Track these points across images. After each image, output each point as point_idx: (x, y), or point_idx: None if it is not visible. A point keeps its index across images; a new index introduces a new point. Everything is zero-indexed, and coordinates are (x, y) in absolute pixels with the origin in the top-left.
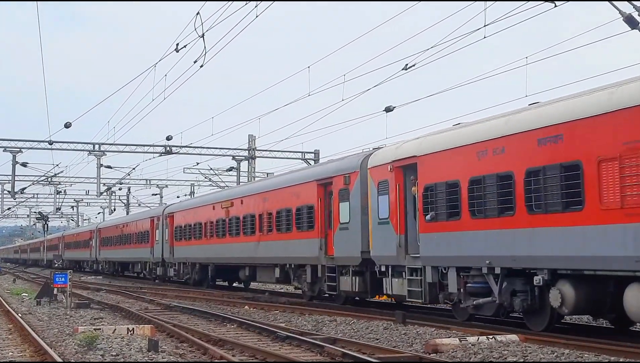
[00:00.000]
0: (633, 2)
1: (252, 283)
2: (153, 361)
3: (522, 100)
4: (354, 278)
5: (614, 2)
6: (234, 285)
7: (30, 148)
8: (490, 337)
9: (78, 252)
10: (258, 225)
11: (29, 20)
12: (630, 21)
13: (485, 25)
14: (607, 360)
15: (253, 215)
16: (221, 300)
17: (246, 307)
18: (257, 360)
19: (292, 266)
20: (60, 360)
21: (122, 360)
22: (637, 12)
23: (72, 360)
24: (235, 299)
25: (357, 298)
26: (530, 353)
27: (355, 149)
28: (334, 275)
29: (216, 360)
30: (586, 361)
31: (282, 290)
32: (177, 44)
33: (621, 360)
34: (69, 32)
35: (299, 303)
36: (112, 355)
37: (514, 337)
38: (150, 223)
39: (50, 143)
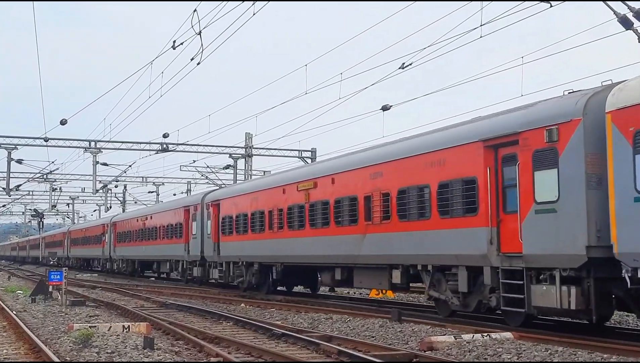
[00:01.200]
0: (627, 2)
1: (331, 288)
2: (149, 359)
3: (518, 99)
4: (565, 288)
5: (608, 2)
6: (296, 290)
7: (26, 145)
8: (485, 334)
9: (88, 249)
10: (363, 212)
11: (25, 17)
12: (624, 22)
13: (481, 25)
14: (599, 358)
15: (354, 198)
16: (217, 298)
17: (242, 305)
18: (253, 357)
19: (429, 268)
20: (55, 358)
21: (117, 357)
22: (631, 13)
23: (67, 358)
24: (232, 297)
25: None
26: (524, 350)
27: (353, 148)
28: (519, 282)
29: (212, 358)
30: (579, 359)
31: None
32: (174, 41)
33: (613, 358)
34: (65, 29)
35: (295, 301)
36: (107, 352)
37: (508, 334)
38: (184, 213)
39: (46, 139)
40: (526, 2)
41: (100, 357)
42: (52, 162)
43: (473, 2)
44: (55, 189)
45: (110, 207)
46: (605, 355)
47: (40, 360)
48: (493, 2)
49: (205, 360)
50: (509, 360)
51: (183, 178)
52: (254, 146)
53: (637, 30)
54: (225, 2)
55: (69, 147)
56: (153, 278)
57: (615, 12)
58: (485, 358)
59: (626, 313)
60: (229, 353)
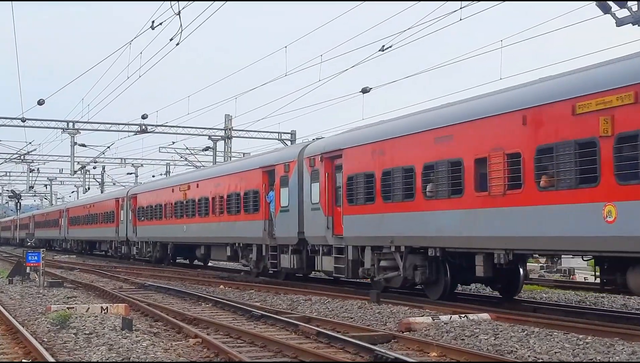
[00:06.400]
0: None
1: None
2: (127, 340)
3: (497, 83)
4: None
5: None
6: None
7: (2, 125)
8: (463, 315)
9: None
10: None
11: None
12: (602, 6)
13: (461, 8)
14: (575, 338)
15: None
16: (196, 280)
17: (221, 286)
18: (232, 338)
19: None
20: (32, 339)
21: (95, 338)
22: None
23: (45, 339)
24: (211, 278)
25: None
26: (501, 331)
27: (333, 131)
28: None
29: (191, 339)
30: (555, 339)
31: None
32: (153, 22)
33: (589, 338)
34: (42, 7)
35: (275, 283)
36: (85, 333)
37: (485, 315)
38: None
39: (23, 120)
40: None
41: (78, 337)
42: (30, 143)
43: None
44: (33, 170)
45: (89, 188)
46: (580, 336)
47: (18, 341)
48: None
49: (184, 341)
50: (486, 340)
51: (162, 160)
52: (234, 128)
53: (614, 14)
54: None
55: (47, 128)
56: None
57: None
58: (463, 339)
59: (601, 295)
60: (207, 334)
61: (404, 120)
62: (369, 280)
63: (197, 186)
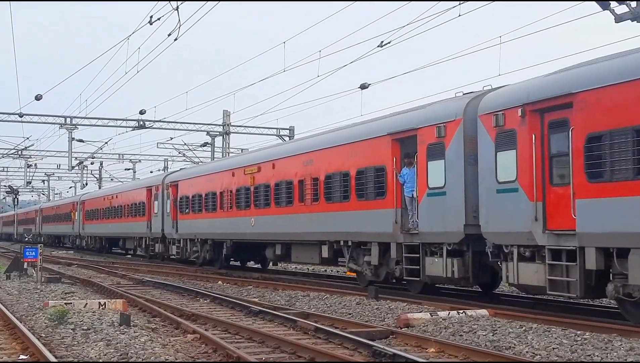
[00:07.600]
0: None
1: None
2: (125, 336)
3: (496, 79)
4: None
5: None
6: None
7: (0, 121)
8: (461, 311)
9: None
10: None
11: None
12: (601, 3)
13: (460, 4)
14: (573, 334)
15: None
16: (194, 276)
17: (219, 282)
18: (230, 334)
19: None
20: (29, 334)
21: (93, 334)
22: None
23: (42, 334)
24: (209, 274)
25: None
26: (499, 327)
27: (331, 126)
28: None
29: (189, 335)
30: (553, 335)
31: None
32: (151, 17)
33: (587, 334)
34: (40, 3)
35: (273, 279)
36: (83, 329)
37: (483, 311)
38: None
39: (21, 115)
40: None
41: (76, 333)
42: (27, 138)
43: None
44: (31, 165)
45: (87, 184)
46: (578, 332)
47: (16, 337)
48: None
49: (182, 337)
50: (484, 336)
51: (160, 156)
52: (232, 124)
53: (613, 10)
54: None
55: (44, 123)
56: None
57: None
58: (461, 335)
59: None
60: (205, 329)
61: None
62: (614, 301)
63: (273, 167)
